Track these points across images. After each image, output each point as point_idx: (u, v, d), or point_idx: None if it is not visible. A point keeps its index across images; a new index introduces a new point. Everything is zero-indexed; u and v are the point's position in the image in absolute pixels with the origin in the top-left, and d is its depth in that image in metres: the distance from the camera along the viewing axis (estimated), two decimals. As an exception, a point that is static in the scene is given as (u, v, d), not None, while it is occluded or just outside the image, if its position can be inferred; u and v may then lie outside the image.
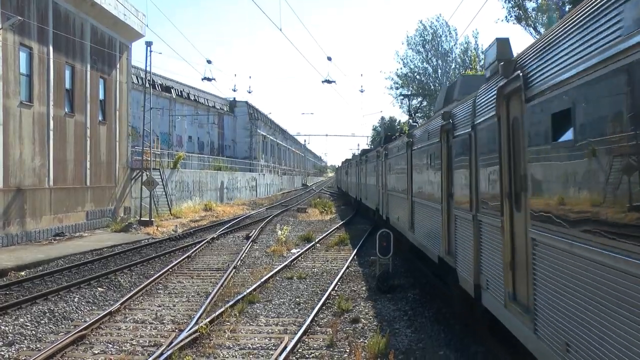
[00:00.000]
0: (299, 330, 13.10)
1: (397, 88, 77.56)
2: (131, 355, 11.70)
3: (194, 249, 26.03)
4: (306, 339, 12.72)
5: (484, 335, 11.78)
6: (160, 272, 20.03)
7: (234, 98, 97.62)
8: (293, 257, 23.85)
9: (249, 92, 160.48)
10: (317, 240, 29.35)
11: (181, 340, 12.07)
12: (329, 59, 50.21)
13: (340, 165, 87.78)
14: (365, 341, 12.28)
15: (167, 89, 73.50)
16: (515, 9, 50.87)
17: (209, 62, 68.87)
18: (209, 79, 53.93)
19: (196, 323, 13.50)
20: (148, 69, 44.07)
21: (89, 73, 36.37)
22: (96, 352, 12.02)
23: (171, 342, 12.14)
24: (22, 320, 14.29)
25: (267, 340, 12.74)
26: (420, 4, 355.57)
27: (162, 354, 11.26)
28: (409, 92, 76.55)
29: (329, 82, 54.07)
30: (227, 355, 11.74)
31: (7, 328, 13.60)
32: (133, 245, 28.26)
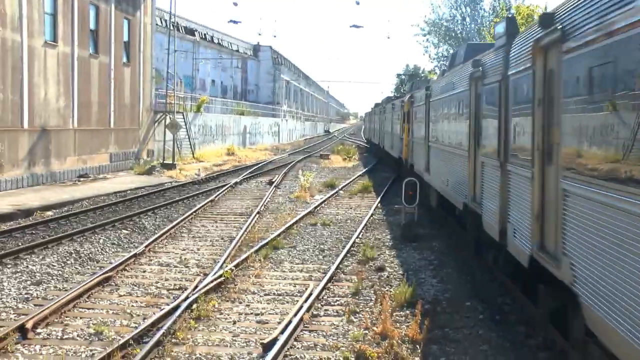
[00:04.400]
0: (323, 277, 13.03)
1: (424, 35, 76.32)
2: (157, 298, 11.71)
3: (217, 193, 26.00)
4: (331, 286, 12.66)
5: (509, 286, 11.72)
6: (184, 216, 20.03)
7: (258, 42, 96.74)
8: (317, 203, 23.76)
9: (274, 37, 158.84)
10: (340, 187, 29.24)
11: (206, 285, 12.05)
12: (357, 2, 49.33)
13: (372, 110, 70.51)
14: (391, 290, 12.20)
15: (191, 32, 72.83)
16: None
17: (235, 4, 67.93)
18: (235, 22, 53.34)
19: (221, 267, 13.48)
20: (172, 10, 43.61)
21: (113, 13, 35.99)
22: (122, 294, 12.05)
23: (196, 286, 12.12)
24: (48, 260, 14.34)
25: (291, 286, 12.70)
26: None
27: (187, 297, 11.24)
28: (437, 40, 75.42)
29: (356, 27, 53.29)
30: (252, 301, 11.72)
31: (34, 267, 13.67)
32: (156, 188, 28.28)
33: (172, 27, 44.73)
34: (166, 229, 17.92)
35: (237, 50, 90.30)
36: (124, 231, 18.03)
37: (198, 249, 16.02)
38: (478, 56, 13.27)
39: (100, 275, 12.75)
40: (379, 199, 25.34)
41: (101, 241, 16.57)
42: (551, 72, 8.05)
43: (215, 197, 24.91)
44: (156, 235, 16.96)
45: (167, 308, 10.72)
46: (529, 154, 8.77)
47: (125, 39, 38.12)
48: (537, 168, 8.44)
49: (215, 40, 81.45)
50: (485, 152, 12.06)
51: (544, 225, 8.22)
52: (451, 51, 70.13)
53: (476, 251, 14.04)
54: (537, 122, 8.49)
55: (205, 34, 77.76)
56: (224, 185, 28.70)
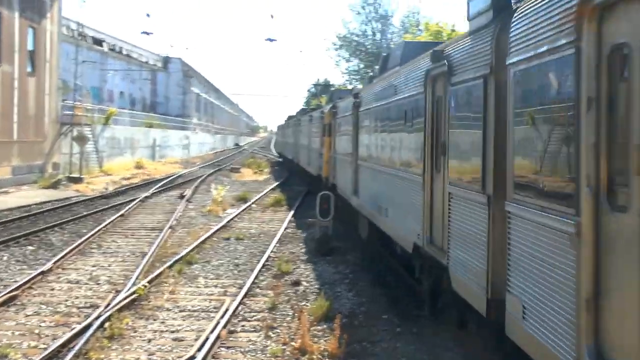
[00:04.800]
0: (239, 292, 12.91)
1: (336, 49, 77.05)
2: (67, 318, 11.30)
3: (127, 207, 25.42)
4: (247, 302, 12.54)
5: (423, 298, 11.86)
6: (94, 231, 19.47)
7: (168, 54, 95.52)
8: (229, 217, 23.55)
9: (186, 49, 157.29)
10: (252, 200, 29.07)
11: (119, 302, 11.71)
12: (272, 16, 49.51)
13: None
14: (308, 304, 12.17)
15: (99, 42, 71.21)
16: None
17: (147, 15, 66.91)
18: (147, 33, 52.53)
19: (134, 284, 13.16)
20: (80, 20, 42.57)
21: (17, 21, 34.78)
22: (29, 313, 11.56)
23: (109, 304, 11.78)
24: (-52, 279, 13.66)
25: (207, 302, 12.49)
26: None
27: (99, 315, 10.90)
28: (348, 54, 76.22)
29: (271, 40, 53.45)
30: (167, 317, 11.47)
31: None
32: (63, 202, 27.43)
33: (79, 37, 43.63)
34: (75, 244, 17.35)
35: (147, 62, 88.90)
36: (29, 248, 17.37)
37: (109, 265, 15.57)
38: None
39: (4, 294, 12.21)
40: (292, 212, 25.32)
41: (5, 258, 15.91)
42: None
43: (126, 211, 24.33)
44: (64, 252, 16.39)
45: (78, 327, 10.36)
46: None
47: (30, 47, 36.89)
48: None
49: (124, 52, 79.95)
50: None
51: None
52: (362, 65, 71.22)
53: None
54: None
55: (114, 45, 76.21)
56: (134, 199, 28.07)
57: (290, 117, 62.60)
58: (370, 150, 15.76)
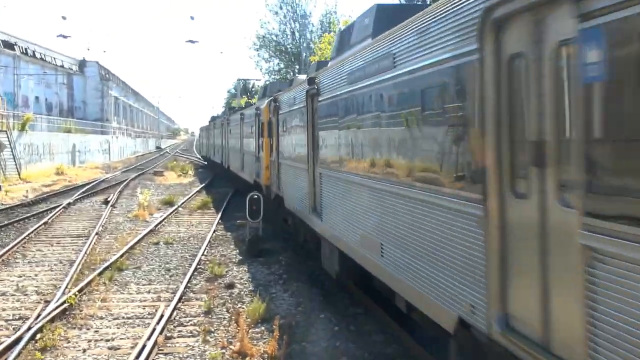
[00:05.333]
0: (173, 297, 12.76)
1: (256, 50, 76.71)
2: (-5, 331, 10.95)
3: (50, 215, 24.75)
4: (182, 306, 12.41)
5: (359, 296, 12.00)
6: (17, 241, 18.87)
7: (84, 58, 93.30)
8: (157, 221, 23.21)
9: (104, 52, 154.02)
10: (179, 204, 28.73)
11: (50, 312, 11.42)
12: (192, 18, 48.97)
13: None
14: (244, 306, 12.12)
15: (11, 46, 69.03)
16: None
17: (64, 18, 65.13)
18: (64, 36, 51.12)
19: (63, 293, 12.84)
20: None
21: None
22: (-46, 328, 11.17)
23: (39, 315, 11.47)
24: None
25: (141, 309, 12.30)
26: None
27: (30, 327, 10.61)
28: (267, 54, 76.03)
29: (191, 42, 52.88)
30: (100, 326, 11.24)
31: None
32: (-19, 212, 26.50)
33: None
34: (-3, 255, 16.81)
35: (62, 66, 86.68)
36: (-51, 260, 16.73)
37: (36, 275, 15.12)
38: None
39: None
40: (220, 214, 25.16)
41: None
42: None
43: (49, 219, 23.69)
44: (-13, 263, 15.87)
45: (7, 341, 10.07)
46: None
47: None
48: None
49: (38, 55, 77.72)
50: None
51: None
52: (282, 65, 71.15)
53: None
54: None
55: (26, 49, 74.00)
56: (57, 207, 27.33)
57: (214, 118, 61.63)
58: (329, 151, 12.20)
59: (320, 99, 12.81)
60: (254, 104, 30.47)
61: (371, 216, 9.24)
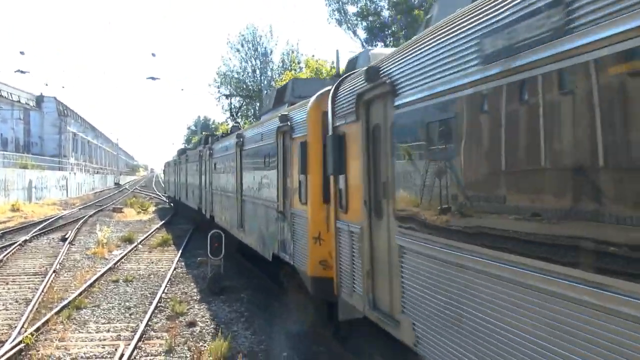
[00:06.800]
0: (133, 335, 12.52)
1: (217, 87, 76.74)
2: (-52, 373, 10.61)
3: (5, 252, 24.18)
4: (142, 345, 12.19)
5: (322, 334, 11.93)
6: (-29, 279, 18.41)
7: (41, 93, 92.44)
8: (116, 259, 22.87)
9: (62, 88, 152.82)
10: (139, 241, 28.37)
11: (4, 354, 11.10)
12: (154, 55, 48.97)
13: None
14: (205, 345, 11.94)
15: (-33, 81, 68.25)
16: (336, 12, 52.58)
17: (22, 53, 64.57)
18: (22, 72, 50.60)
19: (19, 333, 12.52)
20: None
21: None
22: None
23: (-6, 355, 11.14)
24: None
25: (100, 348, 12.05)
26: (248, 5, 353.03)
27: (-16, 369, 10.30)
28: (228, 92, 76.06)
29: (153, 79, 52.78)
30: (58, 367, 10.96)
31: None
32: None
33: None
34: (-50, 294, 16.36)
35: (19, 101, 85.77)
36: None
37: (-10, 314, 14.75)
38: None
39: None
40: (180, 251, 24.90)
41: None
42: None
43: (4, 256, 23.14)
44: (-61, 302, 15.43)
45: (-39, 383, 9.74)
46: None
47: None
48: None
49: (-6, 90, 76.87)
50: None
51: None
52: (243, 102, 71.25)
53: None
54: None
55: (-18, 83, 73.15)
56: (12, 244, 26.75)
57: (182, 152, 56.53)
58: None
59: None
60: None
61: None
